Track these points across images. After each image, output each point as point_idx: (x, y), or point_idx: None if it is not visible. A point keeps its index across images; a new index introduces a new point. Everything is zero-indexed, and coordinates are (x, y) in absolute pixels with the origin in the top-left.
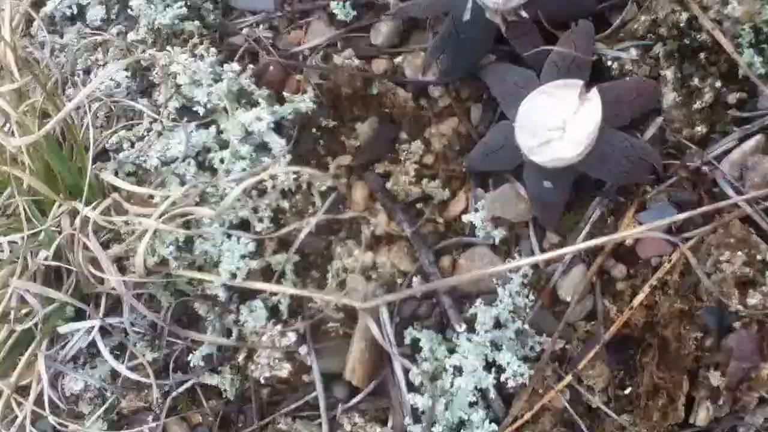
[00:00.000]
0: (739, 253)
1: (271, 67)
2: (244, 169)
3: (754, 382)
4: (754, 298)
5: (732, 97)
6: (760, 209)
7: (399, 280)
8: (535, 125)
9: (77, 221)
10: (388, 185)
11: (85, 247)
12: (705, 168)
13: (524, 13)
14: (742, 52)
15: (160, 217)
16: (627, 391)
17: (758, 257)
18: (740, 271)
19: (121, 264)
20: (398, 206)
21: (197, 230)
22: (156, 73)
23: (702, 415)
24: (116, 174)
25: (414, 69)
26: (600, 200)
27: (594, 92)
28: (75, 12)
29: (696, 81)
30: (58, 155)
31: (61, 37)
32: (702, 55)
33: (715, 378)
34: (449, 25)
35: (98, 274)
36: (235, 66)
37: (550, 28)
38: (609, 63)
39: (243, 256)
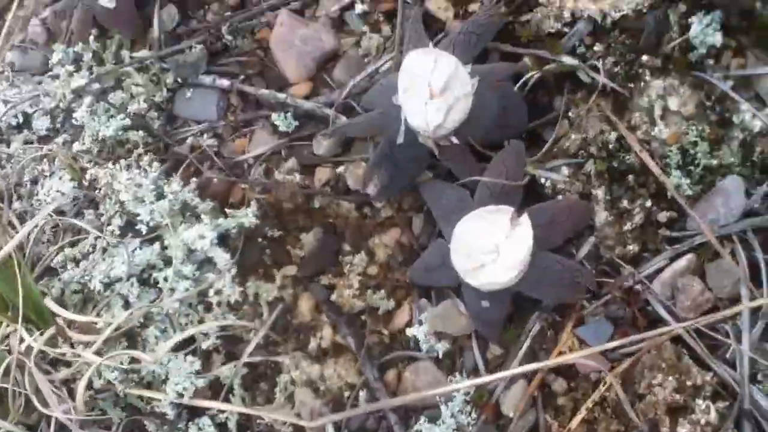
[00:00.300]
0: (671, 378)
1: (214, 179)
2: (187, 289)
3: None
4: (683, 428)
5: (662, 216)
6: (692, 330)
7: (346, 393)
8: (469, 248)
9: (23, 346)
10: (333, 297)
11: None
12: (637, 287)
13: (455, 140)
14: (669, 174)
15: (104, 342)
16: None
17: (688, 383)
18: (671, 397)
19: (71, 386)
20: (343, 319)
21: (140, 354)
22: (99, 190)
23: None
24: (62, 293)
25: (355, 179)
26: (539, 315)
27: (525, 218)
28: (21, 121)
29: (625, 203)
30: (6, 281)
31: (8, 146)
32: (631, 177)
33: None
34: (384, 146)
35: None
36: (176, 186)
37: (483, 150)
38: (542, 181)
39: (189, 374)
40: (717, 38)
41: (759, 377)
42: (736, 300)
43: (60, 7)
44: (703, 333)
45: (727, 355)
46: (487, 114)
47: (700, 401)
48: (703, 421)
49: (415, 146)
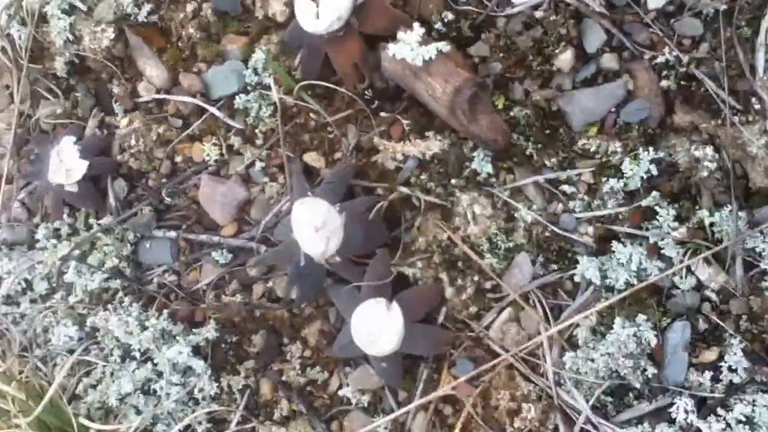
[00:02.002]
0: (507, 391)
1: (180, 308)
2: (178, 392)
3: None
4: (517, 422)
5: (487, 285)
6: (517, 357)
7: None
8: (363, 329)
9: None
10: (284, 378)
11: None
12: (480, 334)
13: (338, 258)
14: (484, 257)
15: None
16: None
17: (518, 393)
18: (507, 405)
19: None
20: (294, 393)
21: None
22: (98, 330)
23: None
24: (88, 411)
25: (282, 289)
26: (424, 365)
27: (394, 304)
28: (24, 286)
29: (460, 281)
30: (50, 411)
31: (18, 306)
32: (460, 264)
33: None
34: (293, 268)
35: None
36: (153, 319)
37: (359, 260)
38: (406, 273)
39: None
40: (489, 167)
41: (562, 382)
42: (539, 333)
43: (35, 192)
44: (525, 359)
45: (541, 371)
46: (356, 236)
47: (526, 405)
48: (529, 417)
49: (314, 265)
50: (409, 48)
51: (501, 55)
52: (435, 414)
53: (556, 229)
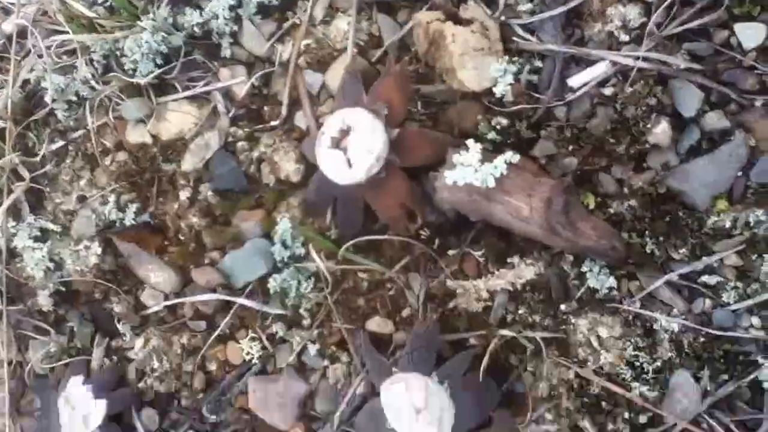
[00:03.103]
0: None
1: None
2: None
3: None
4: None
5: (643, 418)
6: None
7: None
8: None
9: None
10: None
11: None
12: None
13: None
14: (630, 388)
15: None
16: None
17: None
18: None
19: None
20: None
21: None
22: None
23: None
24: None
25: None
26: None
27: None
28: None
29: (610, 425)
30: None
31: None
32: (603, 404)
33: None
34: None
35: None
36: None
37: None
38: None
39: None
40: (611, 281)
41: None
42: None
43: None
44: None
45: None
46: (469, 406)
47: None
48: None
49: None
50: (471, 170)
51: (570, 148)
52: None
53: (711, 330)
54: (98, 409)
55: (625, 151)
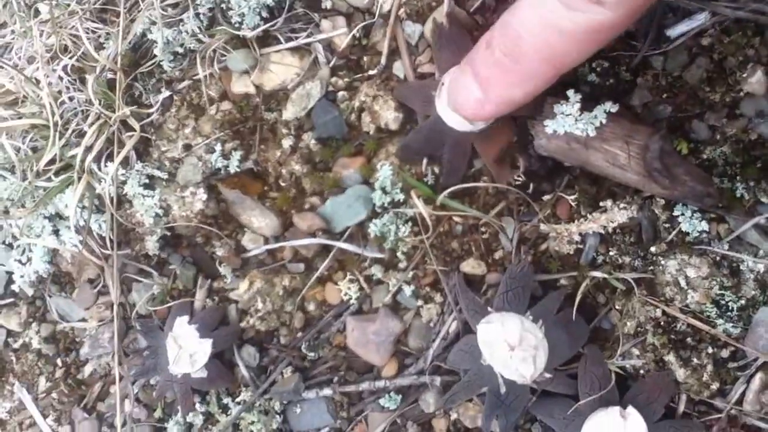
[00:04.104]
0: None
1: None
2: None
3: None
4: None
5: (725, 353)
6: None
7: None
8: None
9: None
10: None
11: None
12: (733, 412)
13: (548, 374)
14: (715, 325)
15: None
16: None
17: None
18: None
19: None
20: None
21: None
22: None
23: None
24: None
25: (470, 419)
26: None
27: (630, 410)
28: None
29: (694, 359)
30: None
31: None
32: (689, 340)
33: None
34: (491, 398)
35: None
36: None
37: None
38: (622, 365)
39: None
40: (704, 225)
41: None
42: None
43: (156, 389)
44: None
45: None
46: (561, 343)
47: None
48: None
49: (517, 389)
50: (572, 119)
51: (665, 95)
52: None
53: None
54: (204, 348)
55: (719, 99)
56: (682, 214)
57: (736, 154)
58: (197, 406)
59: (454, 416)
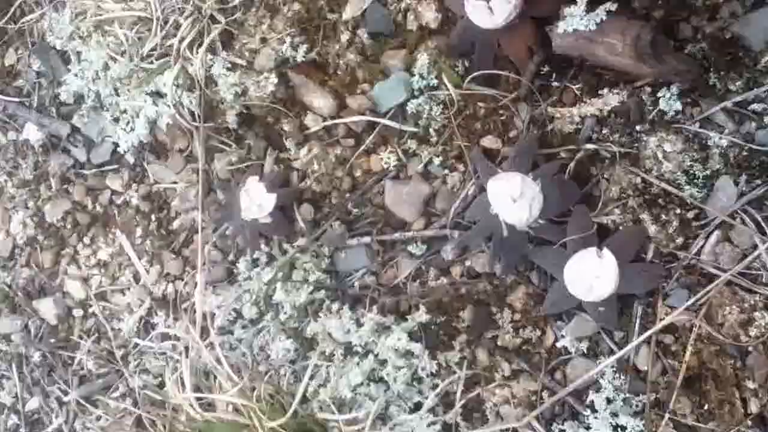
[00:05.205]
0: (734, 305)
1: (386, 301)
2: (405, 373)
3: None
4: (753, 330)
5: (690, 215)
6: (736, 274)
7: (533, 397)
8: (578, 280)
9: None
10: (499, 343)
11: None
12: (692, 262)
13: (540, 221)
14: (683, 190)
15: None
16: (705, 408)
17: (745, 305)
18: (739, 317)
19: None
20: (512, 353)
21: None
22: (316, 335)
23: (753, 407)
24: (320, 409)
25: (480, 265)
26: (638, 302)
27: (605, 250)
28: (235, 316)
29: (664, 216)
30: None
31: (232, 334)
32: (660, 201)
33: (751, 383)
34: (496, 241)
35: None
36: (369, 315)
37: (560, 219)
38: (605, 223)
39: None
40: (678, 105)
41: None
42: (754, 247)
43: (226, 235)
44: (743, 273)
45: (764, 280)
46: (553, 197)
47: (757, 314)
48: (763, 323)
49: (516, 234)
50: (578, 19)
51: (659, 2)
52: (657, 345)
53: (753, 146)
54: (269, 200)
55: (702, 3)
56: (663, 96)
57: (713, 50)
58: (262, 246)
59: (468, 263)
